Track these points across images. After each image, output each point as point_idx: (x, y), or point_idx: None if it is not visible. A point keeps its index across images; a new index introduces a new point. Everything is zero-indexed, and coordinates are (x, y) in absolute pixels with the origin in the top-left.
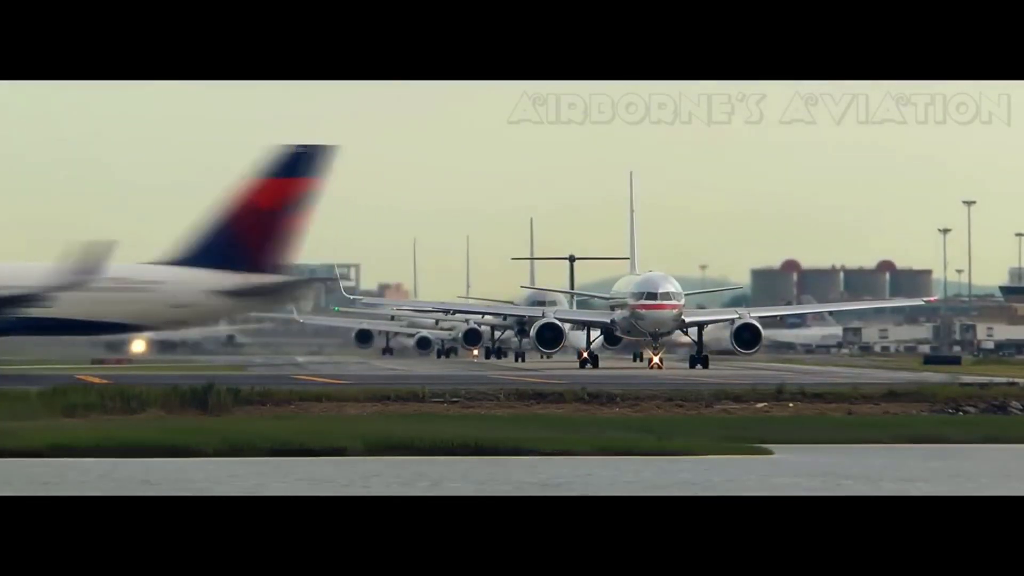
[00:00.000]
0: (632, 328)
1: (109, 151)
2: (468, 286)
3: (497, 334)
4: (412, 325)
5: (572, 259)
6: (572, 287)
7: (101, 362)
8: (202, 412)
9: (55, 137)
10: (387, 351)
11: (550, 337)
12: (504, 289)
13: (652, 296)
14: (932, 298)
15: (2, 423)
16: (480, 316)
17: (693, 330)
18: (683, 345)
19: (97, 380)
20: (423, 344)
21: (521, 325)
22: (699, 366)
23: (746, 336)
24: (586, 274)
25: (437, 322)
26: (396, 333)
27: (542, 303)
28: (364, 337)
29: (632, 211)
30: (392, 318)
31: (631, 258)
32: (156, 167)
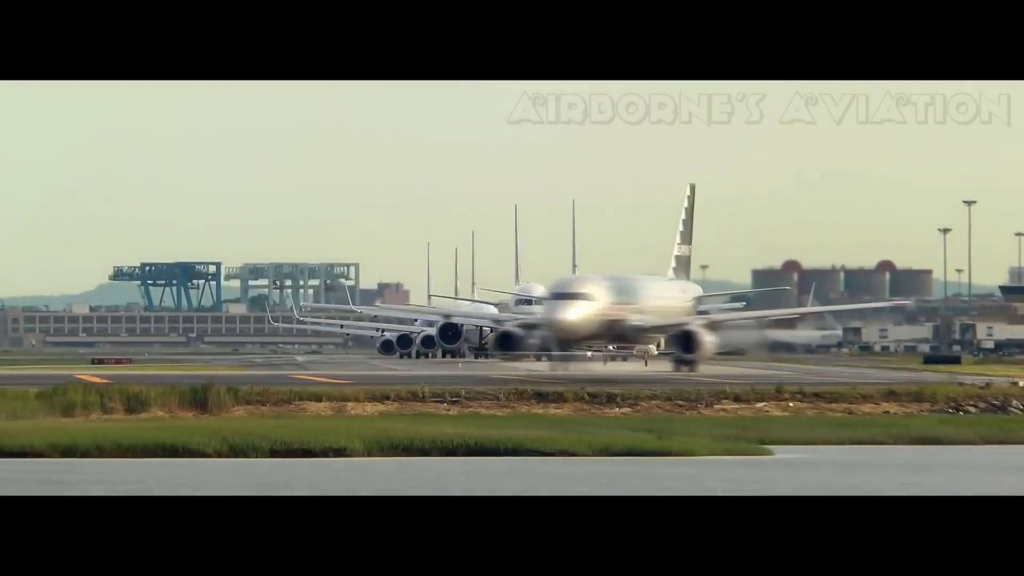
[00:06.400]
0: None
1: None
2: (474, 284)
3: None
4: (497, 322)
5: None
6: None
7: (101, 362)
8: (202, 412)
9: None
10: (481, 351)
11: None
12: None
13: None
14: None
15: (2, 423)
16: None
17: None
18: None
19: (97, 380)
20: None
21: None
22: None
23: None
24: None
25: None
26: (492, 329)
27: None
28: (450, 334)
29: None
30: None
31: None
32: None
